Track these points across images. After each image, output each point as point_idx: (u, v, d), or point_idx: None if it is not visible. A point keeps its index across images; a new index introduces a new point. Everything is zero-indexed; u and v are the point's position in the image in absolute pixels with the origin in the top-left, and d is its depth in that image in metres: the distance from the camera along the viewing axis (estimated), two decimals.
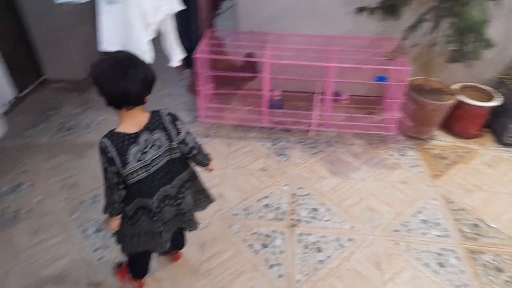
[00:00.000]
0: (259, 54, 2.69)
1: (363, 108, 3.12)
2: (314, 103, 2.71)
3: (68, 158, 2.65)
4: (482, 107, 2.73)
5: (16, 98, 2.44)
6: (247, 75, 2.73)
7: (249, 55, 2.74)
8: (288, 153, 2.77)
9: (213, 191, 2.37)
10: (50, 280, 1.88)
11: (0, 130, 2.31)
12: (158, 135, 1.40)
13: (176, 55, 2.25)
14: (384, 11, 2.62)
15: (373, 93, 3.13)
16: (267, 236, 2.17)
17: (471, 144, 2.89)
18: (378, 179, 2.57)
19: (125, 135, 1.33)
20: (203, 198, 1.76)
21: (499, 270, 2.02)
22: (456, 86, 2.85)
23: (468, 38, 2.29)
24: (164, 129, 1.41)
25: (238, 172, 2.60)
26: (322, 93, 2.71)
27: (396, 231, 2.22)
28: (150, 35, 1.97)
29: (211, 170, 1.72)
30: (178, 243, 1.90)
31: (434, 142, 2.92)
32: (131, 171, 1.36)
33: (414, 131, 2.84)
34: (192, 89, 3.36)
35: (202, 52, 2.61)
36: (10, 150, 2.69)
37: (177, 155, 1.48)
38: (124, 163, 1.33)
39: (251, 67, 2.74)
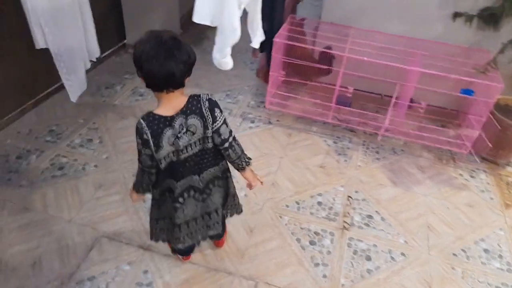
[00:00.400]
0: (338, 47, 2.61)
1: (438, 119, 2.93)
2: (389, 106, 2.58)
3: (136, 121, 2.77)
4: None
5: (98, 58, 2.56)
6: (322, 67, 2.66)
7: (328, 47, 2.66)
8: (349, 154, 2.68)
9: (267, 179, 2.41)
10: (106, 234, 1.99)
11: (82, 86, 2.45)
12: (194, 120, 1.34)
13: (258, 36, 2.24)
14: (483, 20, 2.42)
15: (451, 105, 2.93)
16: (316, 233, 2.12)
17: None
18: (442, 198, 2.42)
19: (160, 117, 1.30)
20: (231, 204, 1.67)
21: None
22: None
23: None
24: (201, 115, 1.34)
25: (294, 164, 2.56)
26: (397, 97, 2.57)
27: (454, 255, 2.08)
28: (240, 13, 1.96)
29: (251, 183, 1.57)
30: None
31: (510, 169, 2.68)
32: (164, 155, 1.34)
33: (491, 153, 2.62)
34: (261, 73, 3.35)
35: (281, 37, 2.58)
36: (85, 106, 2.86)
37: (211, 145, 1.41)
38: (158, 147, 1.31)
39: (328, 60, 2.66)
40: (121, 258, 1.90)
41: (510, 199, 2.44)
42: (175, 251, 1.84)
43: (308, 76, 2.82)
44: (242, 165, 1.51)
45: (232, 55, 3.71)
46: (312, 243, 2.07)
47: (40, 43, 2.11)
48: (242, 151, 1.49)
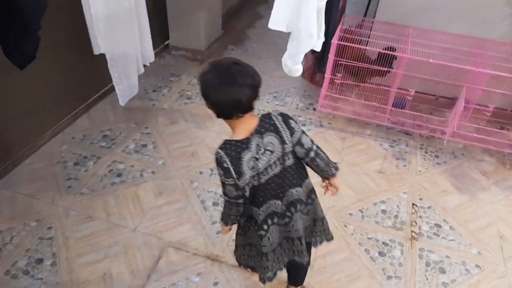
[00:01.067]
0: (398, 48, 2.50)
1: (497, 121, 2.80)
2: (454, 109, 2.47)
3: (187, 126, 2.73)
4: None
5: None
6: (381, 69, 2.56)
7: (390, 48, 2.55)
8: (408, 158, 2.59)
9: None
10: (172, 244, 1.96)
11: (134, 90, 2.42)
12: (270, 138, 1.27)
13: (320, 39, 2.15)
14: None
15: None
16: (385, 244, 2.05)
17: None
18: (510, 205, 2.31)
19: (236, 142, 1.25)
20: (319, 230, 1.52)
21: None
22: None
23: None
24: (276, 131, 1.27)
25: (352, 169, 2.48)
26: (459, 100, 2.46)
27: None
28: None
29: (336, 188, 1.46)
30: (295, 277, 1.73)
31: None
32: (246, 181, 1.27)
33: None
34: (307, 74, 3.26)
35: (339, 38, 2.49)
36: (135, 109, 2.83)
37: (291, 161, 1.32)
38: (239, 174, 1.25)
39: (389, 61, 2.56)
40: (189, 269, 1.86)
41: None
42: (241, 264, 1.74)
43: (362, 78, 2.72)
44: (332, 171, 1.40)
45: (275, 55, 3.68)
46: (381, 254, 2.00)
47: (98, 49, 2.08)
48: (327, 156, 1.40)
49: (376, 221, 2.16)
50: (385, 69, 2.57)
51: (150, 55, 2.40)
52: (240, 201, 1.33)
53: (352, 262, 1.95)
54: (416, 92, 2.77)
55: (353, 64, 2.59)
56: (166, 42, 3.53)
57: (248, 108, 1.24)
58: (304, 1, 1.67)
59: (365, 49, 2.60)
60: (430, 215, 2.22)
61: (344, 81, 2.69)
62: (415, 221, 2.17)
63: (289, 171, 1.34)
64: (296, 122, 1.32)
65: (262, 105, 2.99)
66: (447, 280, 1.90)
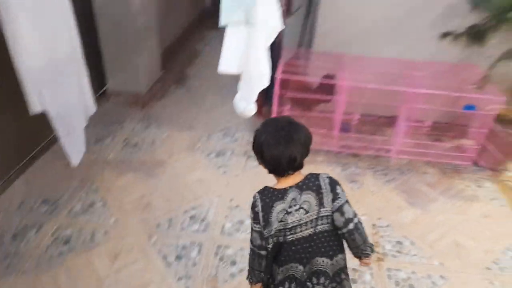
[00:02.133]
0: (337, 76, 2.62)
1: (437, 135, 3.02)
2: (396, 128, 2.62)
3: (137, 176, 2.59)
4: None
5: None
6: (324, 98, 2.66)
7: (327, 76, 2.67)
8: (360, 180, 2.68)
9: None
10: None
11: (82, 147, 2.23)
12: (308, 197, 1.23)
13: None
14: (470, 38, 2.55)
15: (445, 119, 3.04)
16: (355, 270, 2.06)
17: None
18: (459, 212, 2.46)
19: (274, 190, 1.26)
20: None
21: None
22: None
23: None
24: (318, 191, 1.24)
25: None
26: (400, 118, 2.62)
27: (488, 269, 2.10)
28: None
29: (367, 264, 1.37)
30: None
31: (509, 173, 2.80)
32: (271, 233, 1.24)
33: (490, 162, 2.74)
34: (257, 108, 3.29)
35: (282, 72, 2.55)
36: (78, 165, 2.62)
37: (325, 228, 1.25)
38: (266, 222, 1.23)
39: (328, 89, 2.67)
40: None
41: None
42: None
43: (308, 107, 2.80)
44: (367, 251, 1.29)
45: (219, 91, 3.69)
46: (354, 281, 2.00)
47: (37, 107, 1.90)
48: (366, 234, 1.30)
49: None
50: (328, 98, 2.68)
51: (90, 105, 2.25)
52: (263, 253, 1.27)
53: None
54: (362, 115, 2.92)
55: (297, 95, 2.67)
56: (104, 88, 3.37)
57: (300, 165, 1.27)
58: (253, 44, 1.69)
59: (306, 80, 2.69)
60: (390, 234, 2.29)
61: (292, 113, 2.75)
62: (377, 242, 2.23)
63: (321, 237, 1.26)
64: (343, 190, 1.28)
65: (213, 143, 2.94)
66: None
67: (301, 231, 1.25)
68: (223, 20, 1.71)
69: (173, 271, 1.99)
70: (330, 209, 1.24)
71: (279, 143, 1.20)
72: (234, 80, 3.90)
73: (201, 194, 2.48)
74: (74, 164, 2.12)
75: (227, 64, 1.81)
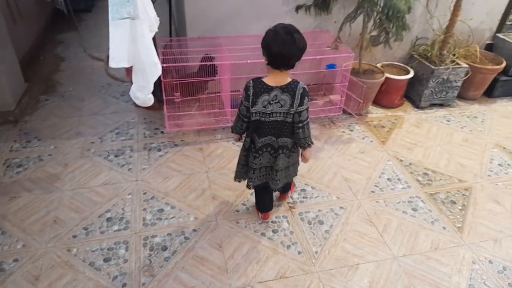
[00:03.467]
0: (215, 56, 2.80)
1: (311, 95, 3.44)
2: None
3: (34, 195, 2.37)
4: (402, 80, 3.33)
5: None
6: (206, 79, 2.81)
7: (206, 59, 2.82)
8: None
9: (206, 195, 2.46)
10: None
11: None
12: (285, 97, 1.77)
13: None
14: (318, 8, 2.99)
15: (317, 81, 3.49)
16: (273, 222, 2.32)
17: (398, 112, 3.49)
18: (342, 154, 2.94)
19: (265, 84, 1.77)
20: (291, 171, 2.13)
21: (453, 202, 2.55)
22: (378, 66, 3.40)
23: (392, 24, 2.79)
24: (292, 96, 1.76)
25: (221, 173, 2.67)
26: None
27: (372, 192, 2.60)
28: None
29: (306, 159, 2.02)
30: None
31: (371, 115, 3.43)
32: (255, 111, 1.81)
33: (355, 108, 3.30)
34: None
35: (163, 61, 2.60)
36: None
37: (289, 120, 1.83)
38: (254, 103, 1.79)
39: (210, 70, 2.83)
40: None
41: (382, 137, 3.15)
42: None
43: (197, 91, 2.92)
44: (304, 145, 1.94)
45: (97, 93, 3.51)
46: (275, 231, 2.26)
47: None
48: (309, 135, 1.91)
49: None
50: (211, 78, 2.84)
51: None
52: (246, 119, 1.89)
53: (256, 249, 2.14)
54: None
55: (183, 81, 2.76)
56: None
57: (292, 66, 1.72)
58: (139, 34, 1.72)
59: (185, 66, 2.80)
60: (296, 184, 2.61)
61: (183, 99, 2.84)
62: (291, 197, 2.53)
63: (286, 125, 1.86)
64: (309, 100, 1.81)
65: (108, 144, 2.84)
66: (327, 228, 2.31)
67: (275, 117, 1.83)
68: (114, 15, 1.70)
69: (105, 273, 1.95)
70: (294, 110, 1.79)
71: (285, 43, 1.62)
72: (109, 79, 3.79)
73: (112, 195, 2.42)
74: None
75: (116, 58, 1.81)
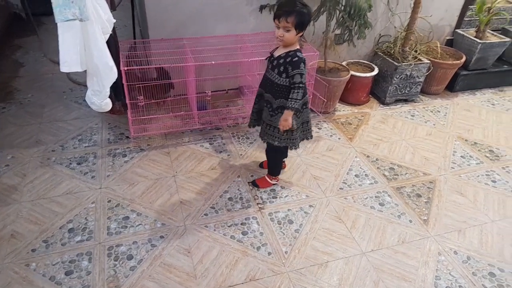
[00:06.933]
0: (183, 58, 2.74)
1: None
2: (239, 98, 2.92)
3: None
4: (367, 77, 3.38)
5: None
6: (170, 81, 2.75)
7: (161, 65, 2.76)
8: (228, 148, 2.91)
9: (172, 200, 2.41)
10: None
11: None
12: (283, 61, 2.06)
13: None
14: None
15: None
16: (243, 224, 2.29)
17: (364, 109, 3.54)
18: (310, 152, 2.95)
19: (275, 49, 2.17)
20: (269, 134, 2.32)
21: (419, 195, 2.60)
22: (343, 64, 3.44)
23: (355, 22, 2.83)
24: (289, 61, 2.04)
25: (189, 176, 2.62)
26: (243, 88, 2.93)
27: (341, 189, 2.62)
28: None
29: (284, 122, 2.13)
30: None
31: (338, 113, 3.46)
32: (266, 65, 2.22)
33: (322, 106, 3.32)
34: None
35: (125, 65, 2.53)
36: None
37: (282, 81, 2.09)
38: (268, 60, 2.20)
39: (166, 75, 2.78)
40: None
41: (349, 134, 3.19)
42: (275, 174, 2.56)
43: (160, 94, 2.86)
44: (287, 105, 2.08)
45: (58, 98, 3.38)
46: (244, 233, 2.23)
47: None
48: (297, 99, 2.06)
49: (228, 209, 2.38)
50: (175, 80, 2.79)
51: None
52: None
53: (225, 252, 2.11)
54: (211, 92, 3.13)
55: (145, 84, 2.69)
56: None
57: (288, 22, 1.96)
58: (91, 36, 1.65)
59: (147, 69, 2.73)
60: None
61: (147, 102, 2.77)
62: (256, 195, 2.51)
63: (281, 87, 2.11)
64: (304, 67, 2.03)
65: (70, 152, 2.74)
66: (297, 227, 2.30)
67: (272, 74, 2.13)
68: (57, 17, 1.62)
69: (67, 287, 1.86)
70: (290, 70, 2.04)
71: (288, 4, 1.94)
72: (71, 84, 3.66)
73: (74, 205, 2.33)
74: None
75: (68, 63, 1.73)
